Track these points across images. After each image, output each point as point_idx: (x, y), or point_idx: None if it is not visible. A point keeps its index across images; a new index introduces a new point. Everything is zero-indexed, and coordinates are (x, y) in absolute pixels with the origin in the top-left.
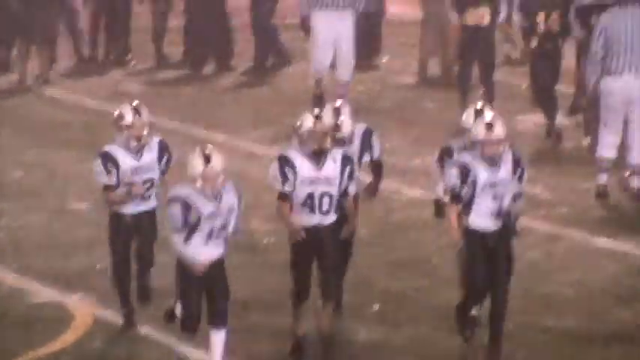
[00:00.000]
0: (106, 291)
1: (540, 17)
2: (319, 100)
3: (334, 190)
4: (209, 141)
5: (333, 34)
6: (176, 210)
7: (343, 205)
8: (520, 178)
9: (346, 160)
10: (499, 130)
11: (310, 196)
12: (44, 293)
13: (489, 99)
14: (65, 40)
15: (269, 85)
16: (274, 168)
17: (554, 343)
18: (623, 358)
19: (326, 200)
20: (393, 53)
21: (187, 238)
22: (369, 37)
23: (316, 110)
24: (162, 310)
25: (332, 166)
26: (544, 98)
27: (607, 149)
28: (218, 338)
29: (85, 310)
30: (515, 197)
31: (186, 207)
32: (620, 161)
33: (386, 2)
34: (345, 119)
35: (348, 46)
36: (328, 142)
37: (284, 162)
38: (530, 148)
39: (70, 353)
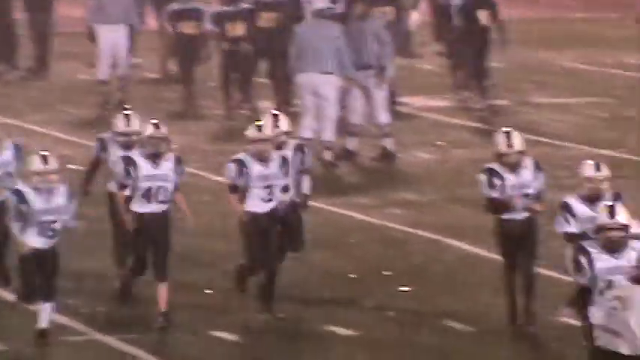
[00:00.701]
0: None
1: (229, 25)
2: (107, 99)
3: (169, 185)
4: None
5: (112, 43)
6: (13, 202)
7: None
8: (286, 174)
9: (178, 160)
10: (267, 131)
11: (149, 189)
12: None
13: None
14: None
15: (45, 80)
16: (120, 167)
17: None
18: (321, 280)
19: (162, 192)
20: (145, 56)
21: (23, 228)
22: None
23: (154, 119)
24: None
25: (166, 166)
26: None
27: (304, 131)
28: (45, 308)
29: None
30: (286, 187)
31: (22, 200)
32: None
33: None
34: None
35: (123, 53)
36: (163, 147)
37: (127, 161)
38: None
39: None
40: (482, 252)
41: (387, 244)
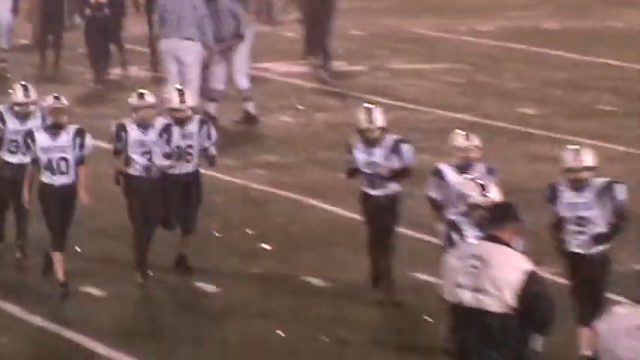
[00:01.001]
0: None
1: None
2: None
3: (69, 156)
4: None
5: None
6: None
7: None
8: (168, 141)
9: (78, 133)
10: (149, 98)
11: (49, 161)
12: None
13: (56, 57)
14: None
15: None
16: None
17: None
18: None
19: (63, 164)
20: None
21: None
22: None
23: (55, 93)
24: None
25: (65, 138)
26: (96, 54)
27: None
28: None
29: None
30: (168, 155)
31: None
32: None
33: None
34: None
35: (7, 23)
36: (64, 118)
37: (26, 135)
38: (120, 96)
39: None
40: (341, 211)
41: (249, 204)
